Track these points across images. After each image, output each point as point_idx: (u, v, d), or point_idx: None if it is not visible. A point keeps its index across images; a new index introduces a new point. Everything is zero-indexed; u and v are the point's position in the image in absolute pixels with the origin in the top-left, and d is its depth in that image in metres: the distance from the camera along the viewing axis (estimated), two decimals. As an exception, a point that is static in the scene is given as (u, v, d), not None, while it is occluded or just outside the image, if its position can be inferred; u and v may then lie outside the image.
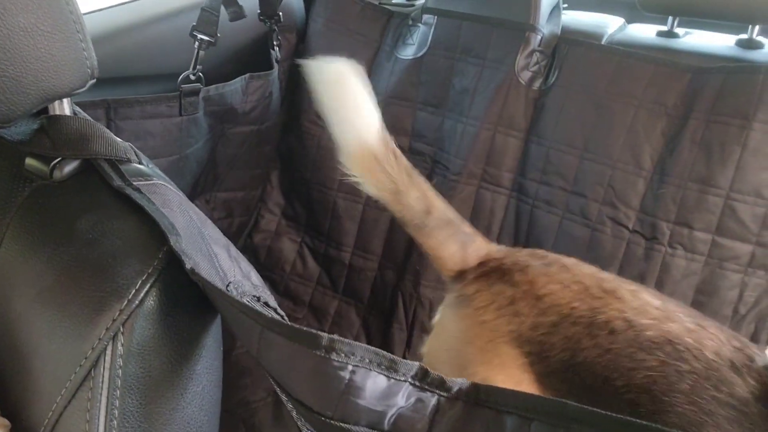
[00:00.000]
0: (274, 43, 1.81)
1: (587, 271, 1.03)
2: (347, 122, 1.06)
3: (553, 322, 0.97)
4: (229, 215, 1.94)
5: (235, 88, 1.67)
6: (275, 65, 1.81)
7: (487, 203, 1.76)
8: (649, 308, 0.95)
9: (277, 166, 2.06)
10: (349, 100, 1.04)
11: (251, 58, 1.81)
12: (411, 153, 1.86)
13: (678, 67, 1.54)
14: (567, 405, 0.50)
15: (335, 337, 0.54)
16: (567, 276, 1.00)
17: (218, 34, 1.51)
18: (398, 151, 1.11)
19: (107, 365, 0.58)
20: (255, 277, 0.77)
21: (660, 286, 1.52)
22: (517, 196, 1.73)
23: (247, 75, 1.70)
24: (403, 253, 1.88)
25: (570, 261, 1.06)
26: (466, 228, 1.17)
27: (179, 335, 0.63)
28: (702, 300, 1.50)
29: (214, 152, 1.74)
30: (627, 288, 0.98)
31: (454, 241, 1.13)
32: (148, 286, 0.61)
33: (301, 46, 1.96)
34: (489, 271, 1.07)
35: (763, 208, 1.44)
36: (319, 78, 1.04)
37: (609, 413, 0.49)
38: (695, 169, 1.48)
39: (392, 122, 1.84)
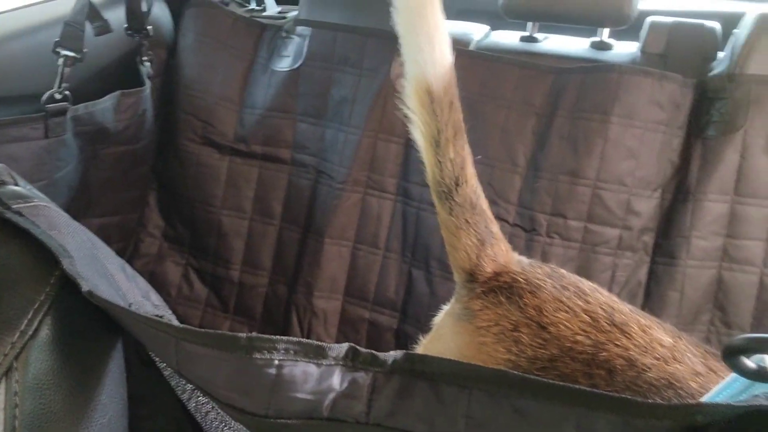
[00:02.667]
0: (144, 58, 1.75)
1: (603, 299, 0.93)
2: (419, 50, 0.97)
3: (552, 356, 0.87)
4: (106, 242, 1.83)
5: (106, 106, 1.58)
6: (147, 81, 1.74)
7: (374, 209, 1.78)
8: (656, 346, 0.84)
9: (154, 187, 1.97)
10: (428, 29, 0.96)
11: (121, 74, 1.73)
12: (294, 165, 1.85)
13: (541, 69, 1.65)
14: (506, 373, 0.51)
15: (254, 335, 0.53)
16: (579, 303, 0.91)
17: (85, 50, 1.43)
18: (456, 104, 1.02)
19: (2, 405, 0.53)
20: (155, 296, 0.73)
21: (542, 274, 1.61)
22: (403, 201, 1.76)
23: (119, 92, 1.62)
24: (293, 266, 1.86)
25: (588, 286, 0.96)
26: (493, 227, 1.05)
27: (79, 365, 0.58)
28: None
29: (87, 175, 1.64)
30: (639, 322, 0.88)
31: (475, 233, 1.01)
32: (41, 314, 0.56)
33: (172, 61, 1.90)
34: (500, 287, 0.97)
35: (626, 195, 1.56)
36: (401, 2, 0.95)
37: (548, 380, 0.51)
38: (564, 162, 1.59)
39: (273, 135, 1.84)
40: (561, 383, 0.51)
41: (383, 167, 1.76)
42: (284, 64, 1.84)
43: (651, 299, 1.59)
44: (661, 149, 1.55)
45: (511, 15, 1.78)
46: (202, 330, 0.53)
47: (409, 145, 1.74)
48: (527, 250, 1.62)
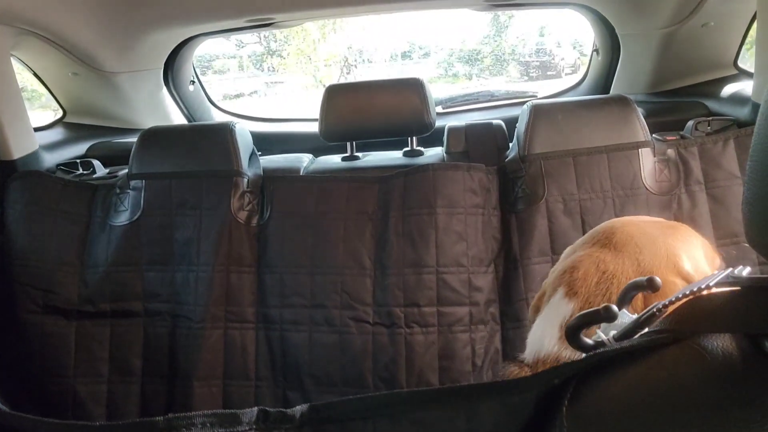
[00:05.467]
0: None
1: None
2: None
3: None
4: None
5: None
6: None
7: (237, 342, 1.79)
8: None
9: (-6, 371, 1.82)
10: None
11: None
12: (147, 315, 1.82)
13: (367, 181, 1.83)
14: (399, 393, 0.58)
15: (170, 416, 0.56)
16: None
17: None
18: None
19: None
20: None
21: (410, 363, 1.69)
22: (264, 326, 1.79)
23: None
24: None
25: None
26: None
27: None
28: (446, 365, 1.70)
29: None
30: None
31: None
32: None
33: (0, 236, 1.84)
34: None
35: (466, 274, 1.73)
36: None
37: (433, 388, 0.58)
38: (406, 256, 1.74)
39: (120, 290, 1.81)
40: (444, 387, 0.60)
41: (239, 298, 1.80)
42: (123, 218, 1.86)
43: (510, 363, 1.72)
44: (484, 229, 1.76)
45: (330, 139, 1.97)
46: (120, 423, 0.55)
47: (260, 272, 1.81)
48: (392, 345, 1.71)
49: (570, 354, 0.91)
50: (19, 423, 0.58)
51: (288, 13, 2.08)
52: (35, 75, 2.19)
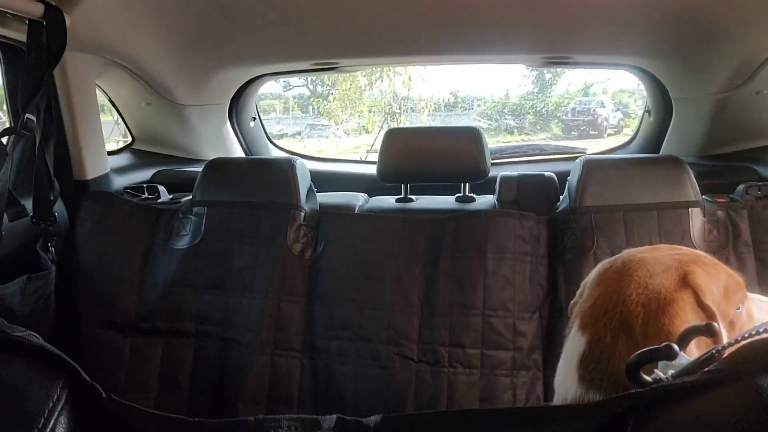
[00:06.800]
0: (49, 244, 1.78)
1: None
2: None
3: None
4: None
5: (12, 290, 1.58)
6: (52, 266, 1.76)
7: (283, 369, 1.83)
8: None
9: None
10: None
11: (23, 260, 1.74)
12: (198, 337, 1.88)
13: (419, 223, 1.89)
14: (475, 411, 0.63)
15: (260, 416, 0.61)
16: None
17: (2, 232, 1.46)
18: None
19: None
20: None
21: (451, 403, 1.72)
22: (310, 356, 1.84)
23: (25, 276, 1.63)
24: None
25: None
26: None
27: None
28: (486, 407, 1.72)
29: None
30: None
31: None
32: (55, 414, 0.62)
33: (69, 252, 1.94)
34: None
35: (511, 319, 1.76)
36: None
37: (504, 408, 0.63)
38: (454, 297, 1.78)
39: (176, 309, 1.89)
40: (514, 408, 0.64)
41: (288, 326, 1.85)
42: (183, 242, 1.95)
43: (551, 411, 1.73)
44: (531, 276, 1.80)
45: (387, 179, 2.05)
46: (215, 420, 0.61)
47: (310, 303, 1.87)
48: (434, 383, 1.74)
49: (592, 397, 0.89)
50: (126, 411, 0.64)
51: (353, 59, 2.19)
52: (111, 102, 2.33)
